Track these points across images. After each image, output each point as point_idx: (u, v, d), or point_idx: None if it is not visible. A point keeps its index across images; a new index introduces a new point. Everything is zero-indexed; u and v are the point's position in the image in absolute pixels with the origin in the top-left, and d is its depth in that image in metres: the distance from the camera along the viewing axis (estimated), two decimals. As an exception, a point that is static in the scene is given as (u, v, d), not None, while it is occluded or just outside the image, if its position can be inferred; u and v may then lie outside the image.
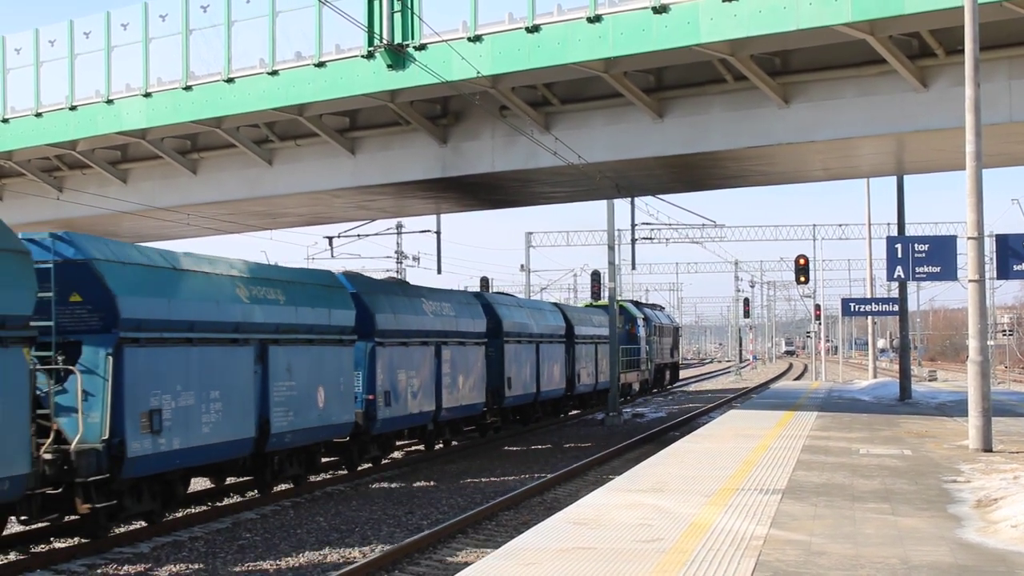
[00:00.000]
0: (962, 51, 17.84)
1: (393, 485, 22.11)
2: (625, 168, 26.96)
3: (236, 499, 19.98)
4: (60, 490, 14.78)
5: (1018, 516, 11.05)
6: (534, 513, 18.29)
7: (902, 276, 20.76)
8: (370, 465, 24.58)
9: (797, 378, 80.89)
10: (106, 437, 14.94)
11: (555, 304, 43.14)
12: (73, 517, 15.51)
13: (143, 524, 16.83)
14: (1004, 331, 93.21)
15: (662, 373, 63.06)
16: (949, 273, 20.67)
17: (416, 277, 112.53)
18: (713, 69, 23.37)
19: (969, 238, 17.86)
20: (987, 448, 17.63)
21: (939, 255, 20.34)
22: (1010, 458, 16.73)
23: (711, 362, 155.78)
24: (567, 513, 12.01)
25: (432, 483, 22.38)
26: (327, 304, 21.42)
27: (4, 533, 15.02)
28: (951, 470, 15.42)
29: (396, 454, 26.86)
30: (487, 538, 16.27)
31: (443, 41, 22.83)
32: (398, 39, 23.47)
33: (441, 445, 29.14)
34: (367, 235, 49.15)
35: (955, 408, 28.00)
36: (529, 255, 70.54)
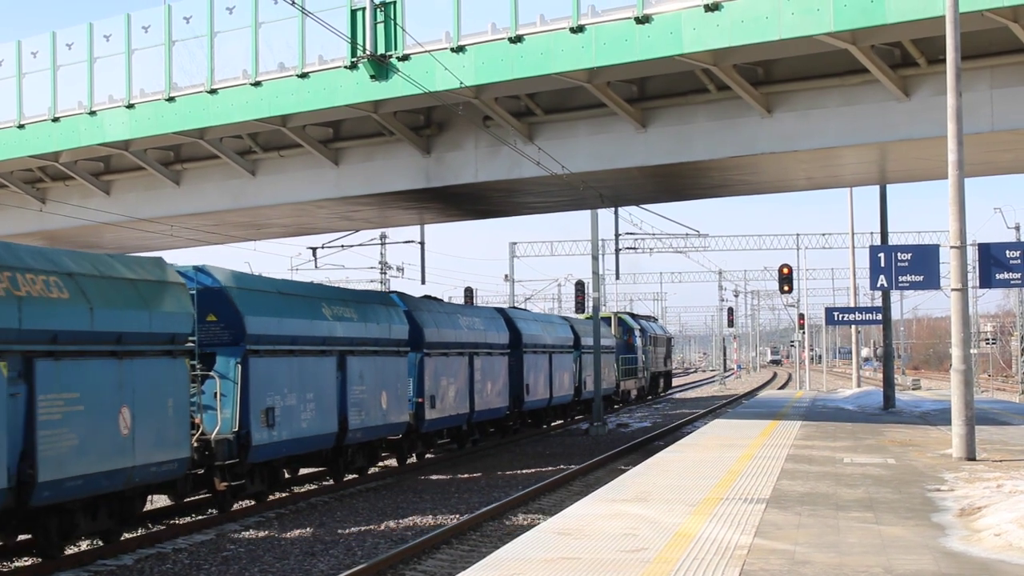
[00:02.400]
0: (944, 60, 17.92)
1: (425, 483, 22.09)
2: (609, 178, 26.98)
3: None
4: (203, 472, 18.33)
5: (1001, 524, 11.07)
6: (519, 523, 18.27)
7: (885, 285, 20.78)
8: (414, 460, 27.92)
9: (781, 387, 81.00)
10: (236, 429, 18.84)
11: (563, 317, 46.12)
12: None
13: (144, 526, 16.82)
14: (987, 340, 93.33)
15: (657, 381, 66.02)
16: (932, 282, 20.69)
17: (400, 288, 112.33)
18: (696, 79, 23.41)
19: (952, 247, 17.91)
20: (971, 457, 17.66)
21: (922, 264, 20.36)
22: (993, 467, 16.76)
23: (695, 371, 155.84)
24: (551, 523, 12.00)
25: (419, 487, 22.37)
26: (387, 320, 25.15)
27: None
28: (935, 479, 15.45)
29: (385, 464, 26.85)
30: (471, 548, 16.25)
31: (426, 52, 22.83)
32: (381, 50, 23.46)
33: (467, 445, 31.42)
34: (351, 246, 48.90)
35: (939, 417, 28.06)
36: (513, 265, 70.48)
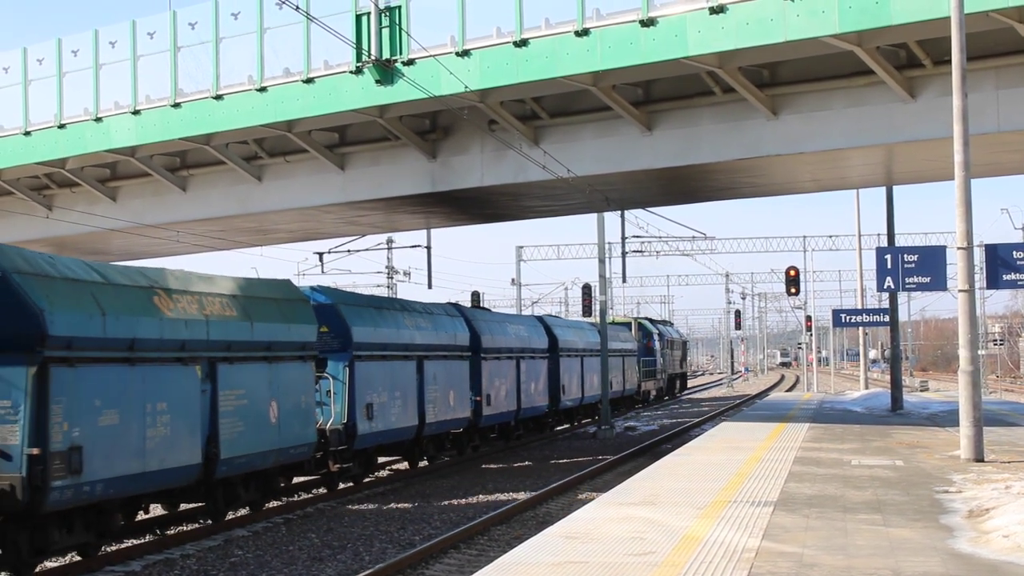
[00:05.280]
0: (950, 61, 17.87)
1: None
2: (615, 181, 26.97)
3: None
4: (320, 456, 21.61)
5: (1010, 526, 11.04)
6: (526, 527, 18.25)
7: (892, 287, 20.75)
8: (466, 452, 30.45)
9: (789, 389, 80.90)
10: (344, 421, 22.38)
11: (591, 323, 48.10)
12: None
13: (135, 541, 16.83)
14: (995, 341, 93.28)
15: (673, 382, 68.94)
16: (939, 283, 20.65)
17: (406, 292, 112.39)
18: (701, 81, 23.40)
19: (959, 248, 17.87)
20: (979, 458, 17.62)
21: (929, 265, 20.33)
22: (1002, 468, 16.72)
23: (703, 374, 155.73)
24: (559, 527, 11.98)
25: (423, 498, 22.37)
26: (453, 329, 28.63)
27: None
28: (943, 480, 15.41)
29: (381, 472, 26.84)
30: (480, 553, 16.24)
31: (431, 56, 22.85)
32: (386, 55, 23.49)
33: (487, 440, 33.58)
34: (357, 251, 48.94)
35: (946, 418, 27.99)
36: (520, 269, 70.48)
